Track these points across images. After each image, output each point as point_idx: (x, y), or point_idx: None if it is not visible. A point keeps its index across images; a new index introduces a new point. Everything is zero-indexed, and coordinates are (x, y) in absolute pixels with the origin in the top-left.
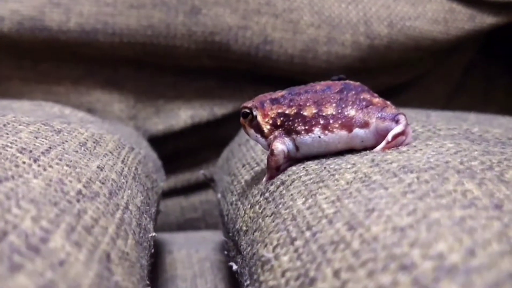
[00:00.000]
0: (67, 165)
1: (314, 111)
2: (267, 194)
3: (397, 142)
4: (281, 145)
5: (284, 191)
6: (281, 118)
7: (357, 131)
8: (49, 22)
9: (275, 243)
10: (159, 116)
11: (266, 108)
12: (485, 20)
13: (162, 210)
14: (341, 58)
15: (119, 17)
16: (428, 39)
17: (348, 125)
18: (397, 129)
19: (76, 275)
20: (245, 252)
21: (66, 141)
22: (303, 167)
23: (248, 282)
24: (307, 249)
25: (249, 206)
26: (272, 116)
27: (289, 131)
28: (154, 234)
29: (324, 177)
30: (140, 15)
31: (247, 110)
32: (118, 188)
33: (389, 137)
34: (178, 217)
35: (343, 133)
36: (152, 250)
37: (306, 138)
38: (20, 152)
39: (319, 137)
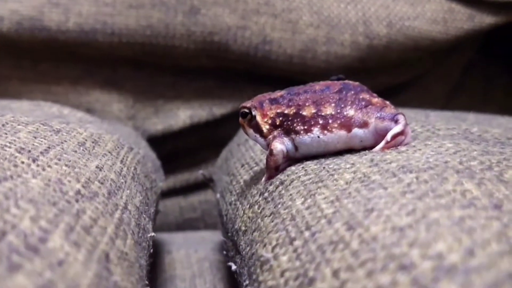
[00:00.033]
0: (66, 165)
1: (313, 111)
2: (266, 194)
3: (396, 142)
4: (280, 145)
5: (283, 191)
6: (280, 118)
7: (356, 131)
8: (48, 22)
9: (274, 243)
10: (158, 116)
11: (265, 108)
12: (484, 20)
13: (161, 210)
14: (340, 58)
15: (118, 17)
16: (427, 39)
17: (347, 125)
18: (396, 129)
19: (75, 275)
20: (244, 252)
21: (65, 141)
22: (302, 167)
23: (247, 282)
24: (306, 249)
25: (248, 206)
26: (271, 116)
27: (288, 131)
28: (153, 234)
29: (323, 177)
30: (139, 15)
31: (246, 110)
32: (117, 188)
33: (388, 137)
34: (177, 217)
35: (342, 133)
36: (151, 250)
37: (305, 138)
38: (19, 152)
39: (318, 137)
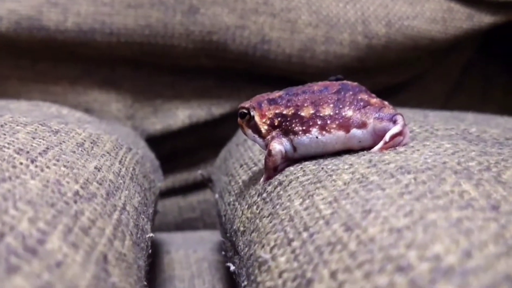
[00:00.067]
0: (65, 166)
1: (312, 111)
2: (264, 195)
3: (395, 142)
4: (279, 145)
5: (281, 192)
6: (279, 119)
7: (354, 131)
8: (46, 21)
9: (272, 244)
10: (157, 116)
11: (263, 108)
12: (483, 19)
13: (160, 210)
14: (339, 57)
15: (116, 17)
16: (426, 39)
17: (346, 125)
18: (395, 129)
19: (73, 277)
20: (242, 253)
21: (64, 142)
22: (301, 168)
23: (245, 283)
24: (304, 250)
25: (246, 206)
26: (270, 116)
27: (287, 132)
28: (151, 234)
29: (321, 178)
30: (138, 15)
31: (245, 111)
32: (116, 189)
33: (387, 137)
34: (176, 217)
35: (341, 133)
36: (150, 251)
37: (304, 138)
38: (18, 153)
39: (317, 137)
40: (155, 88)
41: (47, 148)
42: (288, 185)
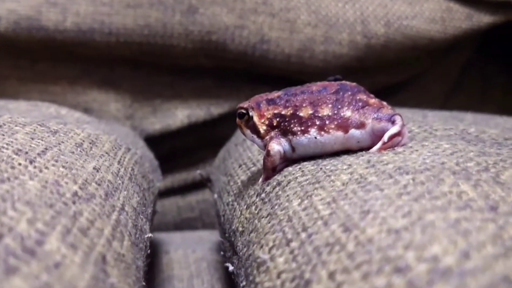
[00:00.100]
0: (63, 167)
1: (310, 112)
2: (263, 195)
3: (393, 143)
4: (277, 145)
5: (280, 192)
6: (277, 119)
7: (353, 132)
8: (45, 21)
9: (270, 244)
10: (156, 116)
11: (262, 108)
12: (482, 19)
13: (158, 210)
14: (338, 57)
15: (115, 17)
16: (425, 38)
17: (344, 126)
18: (393, 129)
19: (72, 278)
20: (241, 253)
21: (62, 142)
22: (299, 168)
23: (244, 283)
24: (302, 250)
25: (245, 206)
26: (268, 116)
27: (285, 132)
28: (150, 235)
29: (320, 178)
30: (137, 15)
31: (243, 111)
32: (114, 189)
33: (385, 138)
34: (175, 217)
35: (339, 134)
36: (149, 251)
37: (302, 138)
38: (16, 154)
39: (315, 138)
40: (154, 88)
41: (46, 149)
42: (286, 186)
